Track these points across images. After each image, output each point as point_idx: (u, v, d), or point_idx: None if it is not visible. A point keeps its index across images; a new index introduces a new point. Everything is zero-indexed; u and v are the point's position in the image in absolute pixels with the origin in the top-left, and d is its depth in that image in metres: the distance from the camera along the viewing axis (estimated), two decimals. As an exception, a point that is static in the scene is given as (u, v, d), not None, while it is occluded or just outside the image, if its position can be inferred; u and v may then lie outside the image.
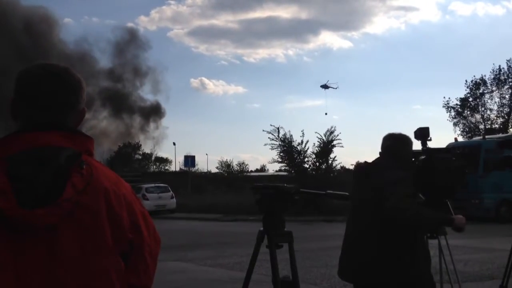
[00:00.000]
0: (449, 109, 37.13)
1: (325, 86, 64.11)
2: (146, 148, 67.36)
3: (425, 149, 2.99)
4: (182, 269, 9.05)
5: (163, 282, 7.77)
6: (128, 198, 1.35)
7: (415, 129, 3.11)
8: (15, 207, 1.12)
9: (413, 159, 3.03)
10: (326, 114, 72.77)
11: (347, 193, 2.08)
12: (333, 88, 65.05)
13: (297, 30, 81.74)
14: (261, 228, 2.15)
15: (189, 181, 30.10)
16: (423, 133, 3.09)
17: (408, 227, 2.76)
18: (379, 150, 3.08)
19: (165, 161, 69.92)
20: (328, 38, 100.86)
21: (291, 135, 21.20)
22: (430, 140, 3.06)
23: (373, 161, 3.05)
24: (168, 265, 9.43)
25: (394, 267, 2.71)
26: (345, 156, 75.75)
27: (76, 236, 1.20)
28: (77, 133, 1.35)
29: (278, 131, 21.00)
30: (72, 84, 1.39)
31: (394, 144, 2.99)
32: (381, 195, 2.70)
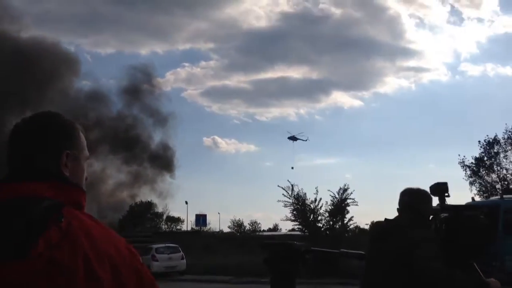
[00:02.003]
0: (465, 167, 36.73)
1: (293, 138, 63.08)
2: (158, 207, 67.23)
3: (451, 206, 2.83)
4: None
5: None
6: (116, 260, 1.20)
7: (432, 184, 2.97)
8: None
9: (431, 217, 2.87)
10: (292, 168, 71.44)
11: (362, 252, 1.93)
12: (302, 140, 63.96)
13: (308, 90, 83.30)
14: (269, 291, 1.99)
15: (200, 242, 29.54)
16: (441, 188, 2.94)
17: None
18: (397, 207, 2.93)
19: (177, 220, 69.37)
20: (339, 98, 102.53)
21: (305, 193, 20.99)
22: (449, 196, 2.90)
23: (393, 219, 2.88)
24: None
25: None
26: (359, 216, 74.34)
27: None
28: (65, 183, 1.24)
29: (292, 188, 20.83)
30: (61, 129, 1.31)
31: (413, 200, 2.84)
32: (405, 257, 2.51)
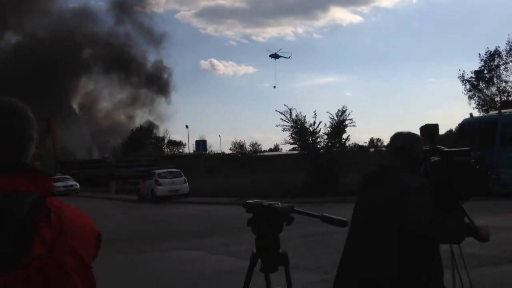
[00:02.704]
0: (464, 82, 36.42)
1: (275, 56, 61.59)
2: (159, 132, 67.73)
3: (443, 150, 2.77)
4: (194, 258, 9.01)
5: (175, 273, 7.75)
6: (95, 252, 1.20)
7: (422, 125, 2.89)
8: None
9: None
10: (274, 87, 71.02)
11: (344, 219, 1.90)
12: (285, 57, 62.45)
13: (305, 7, 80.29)
14: (254, 250, 1.99)
15: (202, 164, 30.08)
16: (431, 131, 2.87)
17: (430, 240, 2.56)
18: (388, 147, 2.85)
19: (179, 144, 70.30)
20: (338, 14, 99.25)
21: (304, 116, 20.99)
22: (438, 138, 2.84)
23: (384, 164, 2.82)
24: (180, 254, 9.43)
25: (413, 283, 2.51)
26: (359, 133, 75.18)
27: None
28: (38, 173, 1.18)
29: (291, 112, 20.79)
30: (25, 118, 1.24)
31: (405, 144, 2.77)
32: (397, 204, 2.49)
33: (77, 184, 36.90)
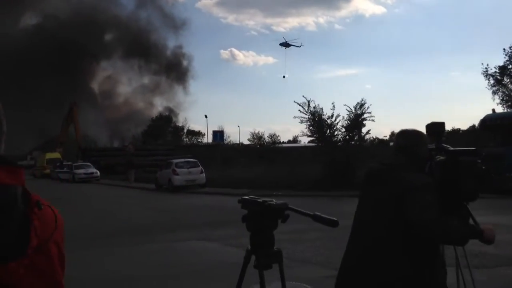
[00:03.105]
0: (488, 76, 35.62)
1: (286, 44, 60.61)
2: (178, 121, 68.18)
3: (449, 150, 2.71)
4: (204, 249, 9.07)
5: (184, 263, 7.82)
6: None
7: (428, 123, 2.83)
8: None
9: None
10: (284, 76, 70.05)
11: (335, 219, 1.87)
12: (296, 46, 61.41)
13: (328, -3, 79.07)
14: (249, 247, 1.99)
15: (219, 155, 30.19)
16: (437, 129, 2.80)
17: (433, 240, 2.51)
18: (395, 148, 2.79)
19: (198, 134, 70.70)
20: (361, 4, 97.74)
21: (321, 108, 20.84)
22: (445, 137, 2.77)
23: (388, 162, 2.77)
24: (191, 245, 9.50)
25: (417, 281, 2.47)
26: (379, 126, 74.38)
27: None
28: (14, 165, 1.18)
29: (309, 104, 20.65)
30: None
31: (410, 142, 2.72)
32: (401, 202, 2.45)
33: (97, 171, 37.43)
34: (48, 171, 44.19)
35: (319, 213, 1.87)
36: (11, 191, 1.07)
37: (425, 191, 2.47)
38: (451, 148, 2.72)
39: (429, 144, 2.77)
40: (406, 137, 2.75)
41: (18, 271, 1.01)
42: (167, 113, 63.89)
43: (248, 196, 2.05)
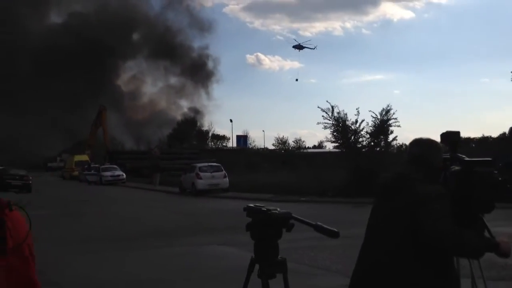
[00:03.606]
0: (520, 83, 34.62)
1: (299, 47, 59.66)
2: (204, 125, 68.67)
3: (464, 161, 2.64)
4: (225, 254, 9.09)
5: (203, 267, 7.86)
6: None
7: (443, 132, 2.76)
8: None
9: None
10: (297, 80, 69.53)
11: (336, 230, 1.85)
12: (310, 48, 60.42)
13: (355, 1, 78.59)
14: (253, 256, 1.98)
15: (243, 159, 30.26)
16: (452, 138, 2.73)
17: (447, 252, 2.45)
18: (408, 159, 2.73)
19: (223, 138, 71.08)
20: (389, 9, 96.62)
21: (346, 114, 20.66)
22: (460, 146, 2.70)
23: (401, 172, 2.72)
24: (212, 250, 9.54)
25: None
26: (407, 132, 73.24)
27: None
28: None
29: (332, 109, 20.50)
30: None
31: (424, 151, 2.65)
32: (414, 213, 2.40)
33: (124, 174, 38.00)
34: (76, 173, 45.08)
35: (320, 224, 1.85)
36: None
37: (439, 202, 2.42)
38: (467, 158, 2.65)
39: (444, 154, 2.71)
40: (420, 146, 2.69)
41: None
42: (192, 115, 64.31)
43: (253, 204, 2.04)
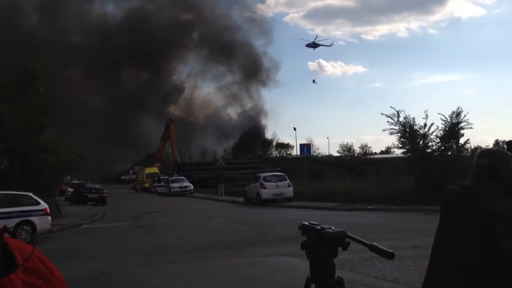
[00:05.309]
0: None
1: (313, 45, 56.62)
2: (267, 134, 69.02)
3: None
4: (291, 265, 8.99)
5: (270, 279, 7.82)
6: None
7: (510, 140, 2.54)
8: None
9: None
10: (314, 81, 66.45)
11: (392, 252, 1.74)
12: (326, 45, 57.30)
13: (420, 1, 75.88)
14: (309, 275, 1.91)
15: (307, 169, 30.00)
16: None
17: None
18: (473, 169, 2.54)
19: (287, 146, 71.01)
20: (457, 7, 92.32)
21: (413, 118, 19.89)
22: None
23: (469, 185, 2.51)
24: (278, 261, 9.48)
25: None
26: (481, 134, 69.37)
27: None
28: None
29: (398, 115, 19.84)
30: None
31: (493, 163, 2.44)
32: (490, 232, 2.22)
33: (191, 185, 39.03)
34: (147, 185, 46.94)
35: (375, 244, 1.75)
36: None
37: None
38: None
39: None
40: (488, 156, 2.48)
41: (17, 283, 1.06)
42: (256, 124, 64.86)
43: (307, 222, 1.98)
